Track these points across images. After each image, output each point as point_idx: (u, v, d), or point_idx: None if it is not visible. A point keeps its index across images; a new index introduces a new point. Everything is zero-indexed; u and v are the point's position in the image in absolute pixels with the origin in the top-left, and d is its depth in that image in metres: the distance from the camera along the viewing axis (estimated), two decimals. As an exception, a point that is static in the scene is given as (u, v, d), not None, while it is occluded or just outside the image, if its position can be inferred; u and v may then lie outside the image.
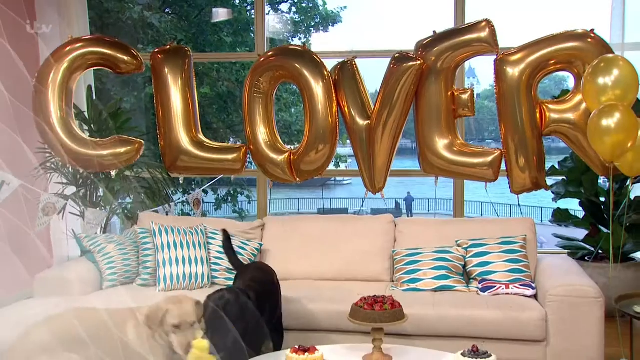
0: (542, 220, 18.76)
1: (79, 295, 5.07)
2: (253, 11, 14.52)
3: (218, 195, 16.06)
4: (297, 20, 17.39)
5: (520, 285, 4.92)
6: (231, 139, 15.51)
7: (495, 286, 4.92)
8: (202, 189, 7.04)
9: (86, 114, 6.63)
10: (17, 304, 4.97)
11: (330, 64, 5.59)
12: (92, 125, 6.53)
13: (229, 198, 16.24)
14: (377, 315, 3.95)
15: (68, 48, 5.63)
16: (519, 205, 5.44)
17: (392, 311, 3.98)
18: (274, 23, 16.86)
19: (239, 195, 16.30)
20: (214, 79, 15.34)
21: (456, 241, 5.28)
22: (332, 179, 30.30)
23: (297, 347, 3.93)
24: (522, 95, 5.05)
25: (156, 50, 5.69)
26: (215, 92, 15.41)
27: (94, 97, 6.80)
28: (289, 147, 5.72)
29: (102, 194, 6.56)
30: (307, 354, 3.87)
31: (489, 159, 5.22)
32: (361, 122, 5.45)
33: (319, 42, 17.60)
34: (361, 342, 4.41)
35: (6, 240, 6.39)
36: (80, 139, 5.80)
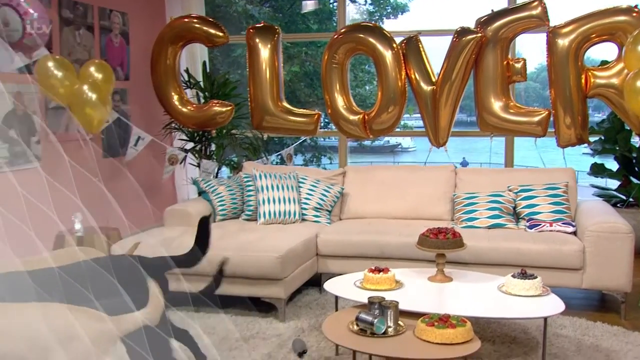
0: (577, 182, 18.20)
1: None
2: (335, 3, 14.52)
3: (305, 157, 16.22)
4: (371, 10, 17.31)
5: (562, 223, 4.83)
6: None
7: (540, 224, 4.85)
8: (292, 146, 7.10)
9: (201, 83, 6.76)
10: (153, 230, 5.22)
11: (398, 41, 5.58)
12: (206, 93, 6.67)
13: (314, 159, 16.38)
14: (441, 243, 3.96)
15: (173, 25, 5.84)
16: (564, 158, 5.36)
17: (454, 240, 3.98)
18: (352, 14, 16.78)
19: (322, 157, 16.43)
20: (302, 59, 15.45)
21: (508, 187, 5.21)
22: (400, 145, 30.10)
23: (372, 268, 3.98)
24: (571, 63, 4.95)
25: (251, 26, 5.83)
26: (304, 70, 15.52)
27: (208, 70, 6.92)
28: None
29: (213, 149, 6.71)
30: (381, 273, 3.91)
31: (538, 117, 5.16)
32: (426, 87, 5.43)
33: (389, 28, 17.45)
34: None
35: (142, 183, 6.65)
36: (188, 102, 5.99)
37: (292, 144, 7.54)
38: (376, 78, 5.64)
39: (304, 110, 5.91)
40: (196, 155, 6.56)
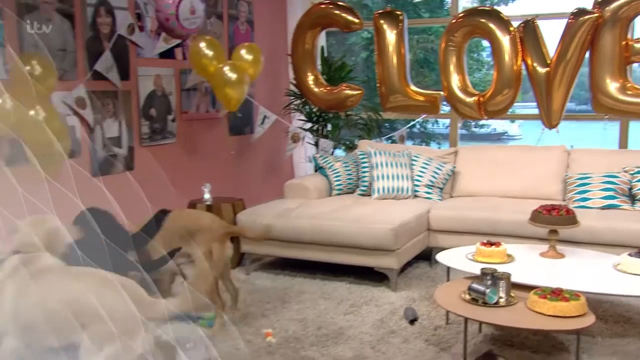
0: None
1: (314, 199, 5.33)
2: (447, -9, 14.22)
3: (414, 142, 16.09)
4: (482, -1, 16.80)
5: (680, 205, 4.55)
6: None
7: (657, 206, 4.59)
8: (404, 128, 7.03)
9: (320, 67, 6.83)
10: (275, 201, 5.36)
11: (514, 25, 5.38)
12: (324, 76, 6.73)
13: (422, 144, 16.21)
14: (554, 219, 3.83)
15: (312, 11, 5.90)
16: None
17: (567, 217, 3.84)
18: (462, 2, 16.35)
19: (431, 143, 16.23)
20: (413, 47, 15.25)
21: (623, 168, 4.94)
22: (506, 133, 29.15)
23: (484, 241, 3.91)
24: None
25: (377, 12, 5.83)
26: (414, 58, 15.33)
27: (325, 55, 6.99)
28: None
29: (329, 129, 6.77)
30: (493, 247, 3.84)
31: (657, 98, 4.84)
32: (541, 70, 5.22)
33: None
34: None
35: (265, 160, 6.84)
36: (321, 85, 6.06)
37: (404, 127, 7.48)
38: (485, 65, 5.49)
39: (427, 91, 5.86)
40: (314, 134, 6.66)
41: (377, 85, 5.89)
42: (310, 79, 6.06)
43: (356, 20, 5.79)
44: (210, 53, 5.24)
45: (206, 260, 3.48)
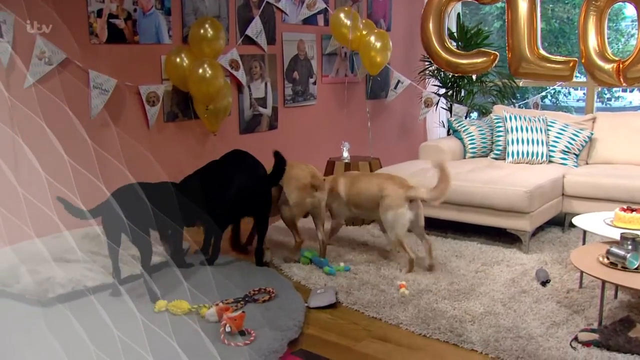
0: None
1: (448, 161, 5.22)
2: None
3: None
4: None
5: None
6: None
7: None
8: (539, 95, 6.69)
9: (455, 34, 6.63)
10: (410, 162, 5.32)
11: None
12: (459, 42, 6.53)
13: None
14: None
15: None
16: None
17: None
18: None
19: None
20: (548, 16, 14.40)
21: None
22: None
23: (624, 207, 3.66)
24: None
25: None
26: (549, 28, 14.47)
27: (462, 22, 6.77)
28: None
29: (463, 94, 6.59)
30: (634, 212, 3.59)
31: None
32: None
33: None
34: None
35: (399, 123, 6.79)
36: (451, 50, 5.86)
37: (537, 95, 7.13)
38: (625, 35, 5.06)
39: (561, 57, 5.53)
40: (447, 99, 6.51)
41: (507, 53, 5.62)
42: (438, 41, 5.87)
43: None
44: (347, 21, 5.28)
45: (289, 201, 4.02)
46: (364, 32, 5.45)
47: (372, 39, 5.42)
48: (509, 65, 5.71)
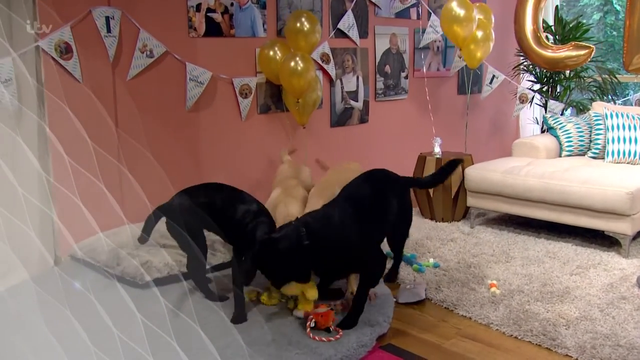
0: None
1: (543, 159, 5.03)
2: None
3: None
4: None
5: None
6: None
7: None
8: (641, 92, 6.34)
9: (552, 27, 6.36)
10: (502, 159, 5.14)
11: None
12: (557, 36, 6.25)
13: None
14: None
15: None
16: None
17: None
18: None
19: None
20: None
21: None
22: None
23: None
24: None
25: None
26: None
27: (560, 14, 6.47)
28: None
29: (559, 90, 6.31)
30: None
31: None
32: None
33: None
34: None
35: (492, 118, 6.60)
36: (545, 45, 5.62)
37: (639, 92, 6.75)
38: None
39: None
40: (543, 95, 6.25)
41: (623, 46, 5.31)
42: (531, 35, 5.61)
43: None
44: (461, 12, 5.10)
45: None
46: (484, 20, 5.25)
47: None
48: (623, 60, 5.40)
